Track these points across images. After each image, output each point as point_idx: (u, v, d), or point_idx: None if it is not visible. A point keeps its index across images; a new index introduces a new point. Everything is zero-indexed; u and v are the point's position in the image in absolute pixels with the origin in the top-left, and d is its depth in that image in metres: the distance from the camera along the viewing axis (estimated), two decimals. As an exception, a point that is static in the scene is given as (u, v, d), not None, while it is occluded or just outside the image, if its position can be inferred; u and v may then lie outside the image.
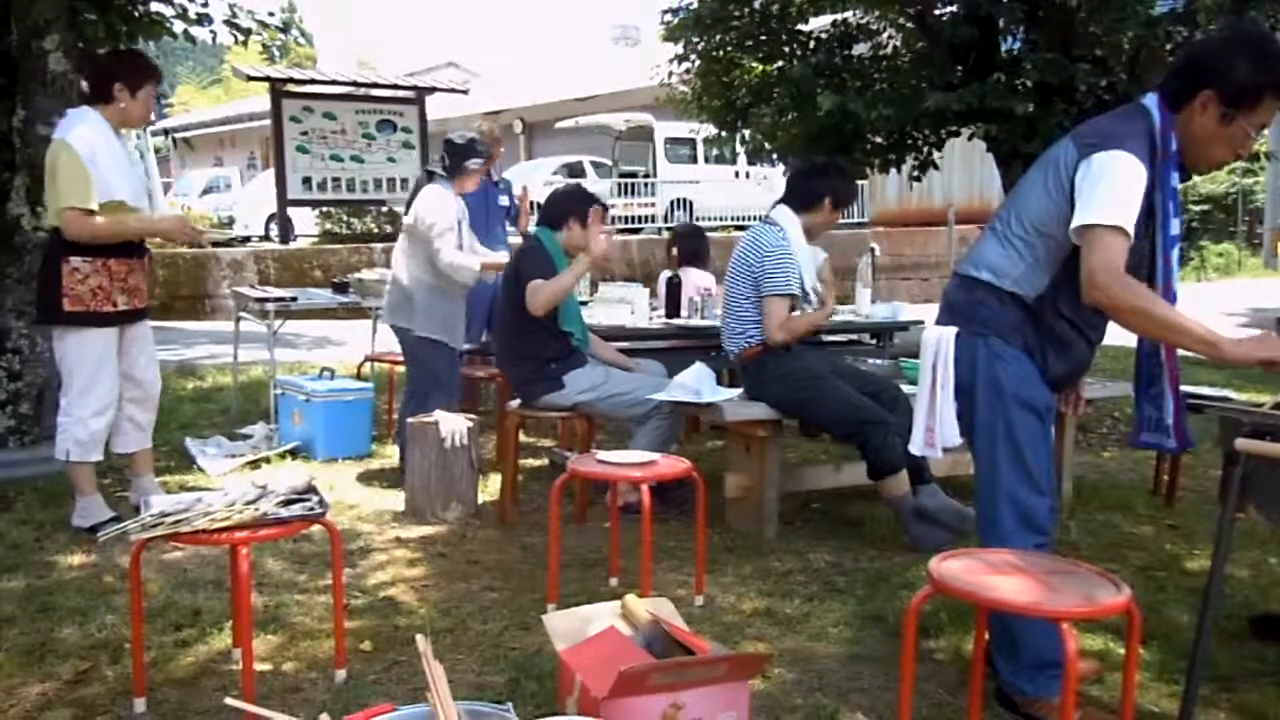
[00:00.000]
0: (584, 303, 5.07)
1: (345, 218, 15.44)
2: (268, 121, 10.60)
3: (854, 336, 5.80)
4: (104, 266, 3.78)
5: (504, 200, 6.25)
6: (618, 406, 4.18)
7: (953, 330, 2.56)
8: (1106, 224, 2.27)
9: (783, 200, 4.10)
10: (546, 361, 4.16)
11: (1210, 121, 2.36)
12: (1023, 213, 2.49)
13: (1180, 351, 2.49)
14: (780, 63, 7.24)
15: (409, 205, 4.65)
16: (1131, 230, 2.28)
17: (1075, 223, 2.31)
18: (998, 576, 2.08)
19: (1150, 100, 2.44)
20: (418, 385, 4.69)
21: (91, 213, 3.68)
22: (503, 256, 4.87)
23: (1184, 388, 4.15)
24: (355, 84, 10.99)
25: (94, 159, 3.67)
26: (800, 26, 7.41)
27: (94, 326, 3.79)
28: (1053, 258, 2.43)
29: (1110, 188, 2.29)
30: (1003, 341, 2.51)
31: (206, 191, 20.15)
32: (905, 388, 4.06)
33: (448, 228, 4.45)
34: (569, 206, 4.32)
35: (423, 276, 4.51)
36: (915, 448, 2.68)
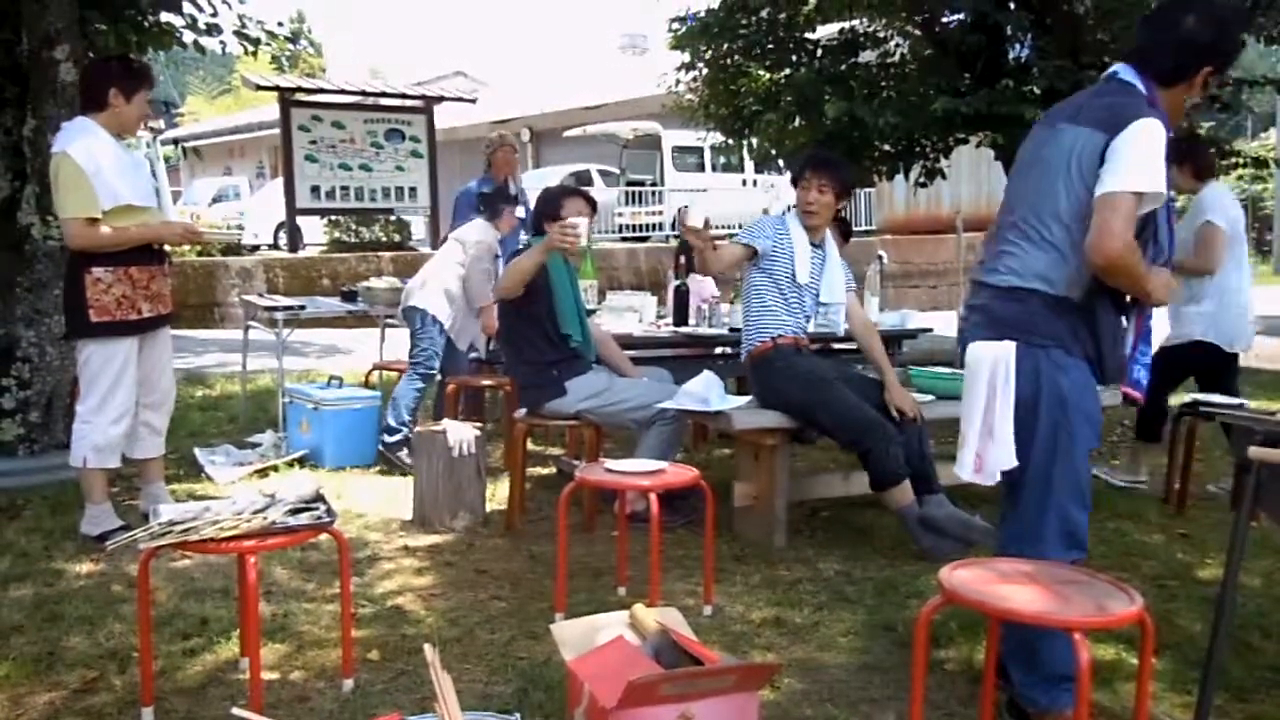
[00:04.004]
0: (592, 311, 5.07)
1: (353, 226, 15.48)
2: (277, 131, 10.64)
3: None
4: (125, 275, 3.80)
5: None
6: (621, 413, 4.18)
7: (1011, 345, 2.44)
8: (1146, 191, 2.28)
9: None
10: (547, 366, 4.16)
11: (1196, 94, 2.46)
12: (1058, 211, 2.41)
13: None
14: (787, 70, 7.26)
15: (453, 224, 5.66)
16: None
17: (1115, 186, 2.27)
18: (1009, 586, 2.06)
19: (1129, 74, 2.45)
20: (413, 359, 5.32)
21: (94, 221, 3.69)
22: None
23: (1194, 395, 4.27)
24: (364, 93, 11.03)
25: (96, 167, 3.68)
26: (807, 35, 7.42)
27: (121, 336, 3.81)
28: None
29: (1148, 153, 2.29)
30: (1064, 352, 2.44)
31: (216, 200, 20.21)
32: (917, 396, 4.05)
33: (487, 251, 5.25)
34: (541, 211, 4.35)
35: (454, 278, 5.25)
36: (964, 473, 2.53)
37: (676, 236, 14.48)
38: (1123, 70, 2.47)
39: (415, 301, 5.26)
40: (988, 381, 2.45)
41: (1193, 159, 4.56)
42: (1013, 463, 2.45)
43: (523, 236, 5.85)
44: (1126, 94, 2.42)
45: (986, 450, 2.46)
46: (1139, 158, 2.28)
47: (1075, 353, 2.45)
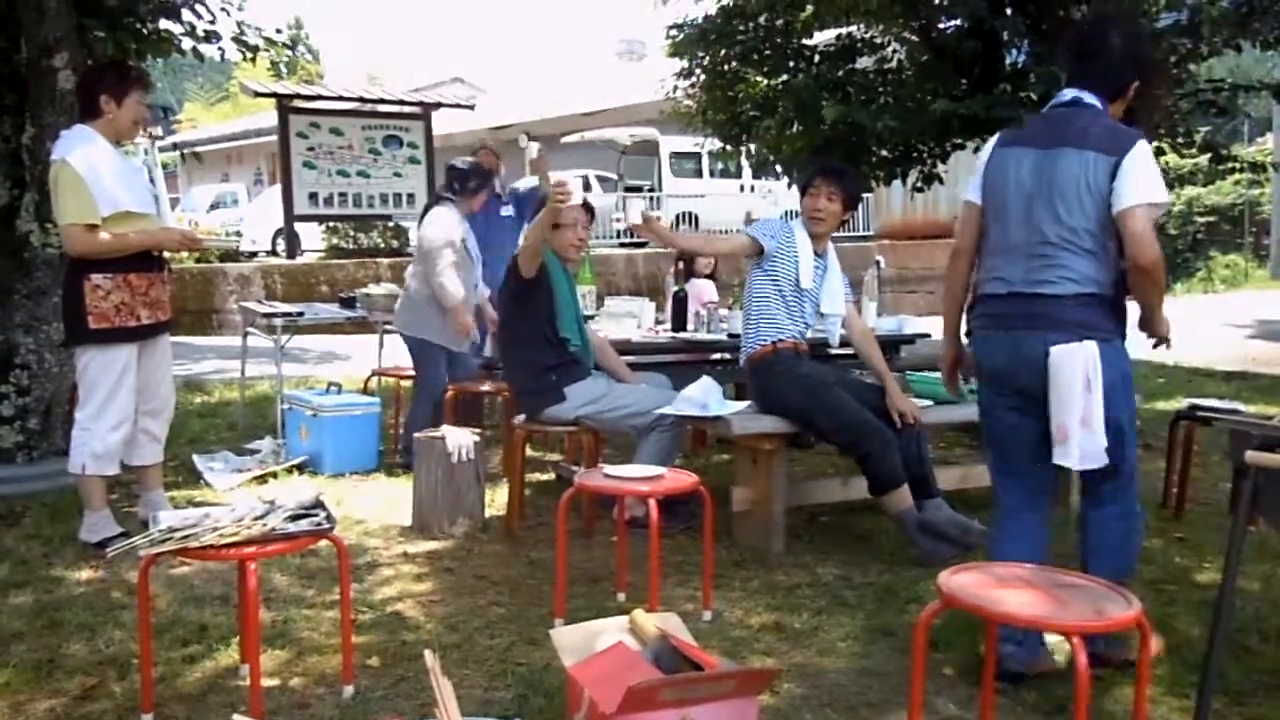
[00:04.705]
0: (590, 317, 5.08)
1: (351, 233, 15.49)
2: (275, 137, 10.65)
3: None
4: (125, 282, 3.80)
5: (507, 210, 6.28)
6: (620, 420, 4.18)
7: (1093, 344, 2.66)
8: (1159, 202, 2.66)
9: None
10: (546, 371, 4.16)
11: (1124, 106, 2.87)
12: (1089, 225, 2.68)
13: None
14: (784, 76, 7.27)
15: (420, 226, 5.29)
16: None
17: (1137, 200, 2.61)
18: (1007, 590, 2.07)
19: (1091, 98, 2.78)
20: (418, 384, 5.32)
21: (94, 228, 3.70)
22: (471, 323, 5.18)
23: (1193, 400, 4.40)
24: (361, 100, 11.04)
25: (95, 174, 3.68)
26: (804, 41, 7.43)
27: (119, 343, 3.81)
28: (1114, 248, 2.69)
29: (1154, 171, 2.67)
30: (1120, 340, 2.76)
31: (214, 207, 20.23)
32: (916, 401, 4.06)
33: (444, 245, 5.02)
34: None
35: (423, 288, 5.11)
36: (1070, 463, 2.70)
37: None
38: (1085, 95, 2.79)
39: (405, 330, 5.23)
40: (1082, 378, 2.65)
41: None
42: (1104, 443, 2.67)
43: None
44: (1104, 117, 2.76)
45: (1086, 440, 2.66)
46: (1149, 174, 2.64)
47: (1123, 340, 2.77)
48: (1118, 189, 2.62)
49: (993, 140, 2.94)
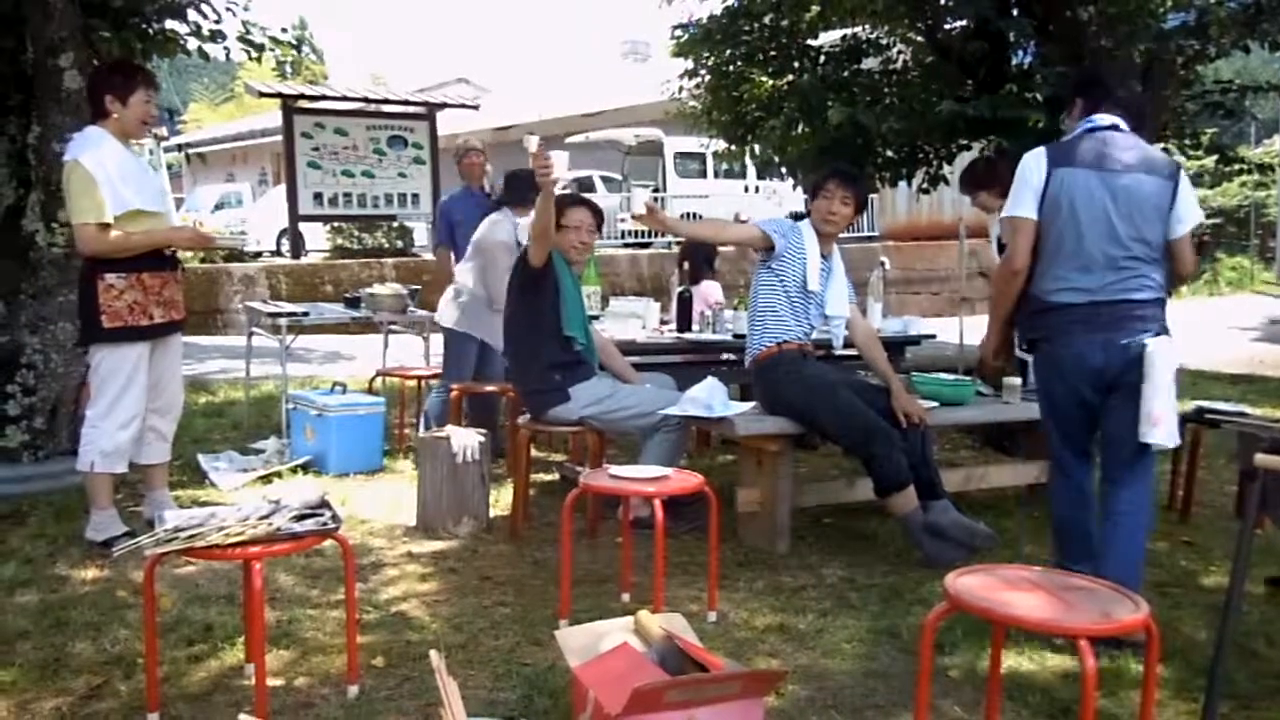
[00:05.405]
0: (594, 317, 5.08)
1: (356, 233, 15.52)
2: (279, 137, 10.66)
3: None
4: (138, 281, 3.81)
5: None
6: (625, 420, 4.18)
7: (1168, 338, 3.05)
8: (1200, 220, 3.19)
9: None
10: (551, 369, 4.16)
11: None
12: (1158, 239, 3.10)
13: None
14: (790, 77, 7.27)
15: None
16: None
17: (1191, 225, 3.12)
18: (1014, 593, 2.07)
19: (1124, 124, 3.13)
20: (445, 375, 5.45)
21: (106, 227, 3.71)
22: None
23: (1200, 402, 4.62)
24: (366, 100, 11.03)
25: (106, 174, 3.70)
26: (810, 41, 7.44)
27: (132, 341, 3.82)
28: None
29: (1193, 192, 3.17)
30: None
31: (218, 207, 20.25)
32: (924, 402, 4.05)
33: (500, 248, 5.13)
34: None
35: (477, 287, 5.24)
36: (1170, 442, 3.02)
37: (679, 243, 14.51)
38: (1120, 121, 3.14)
39: (455, 326, 5.32)
40: (1172, 368, 2.99)
41: (1000, 181, 4.52)
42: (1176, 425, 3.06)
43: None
44: (1142, 141, 3.14)
45: (1170, 422, 2.98)
46: (1193, 198, 3.15)
47: None
48: (1179, 213, 3.08)
49: (1039, 159, 3.14)
